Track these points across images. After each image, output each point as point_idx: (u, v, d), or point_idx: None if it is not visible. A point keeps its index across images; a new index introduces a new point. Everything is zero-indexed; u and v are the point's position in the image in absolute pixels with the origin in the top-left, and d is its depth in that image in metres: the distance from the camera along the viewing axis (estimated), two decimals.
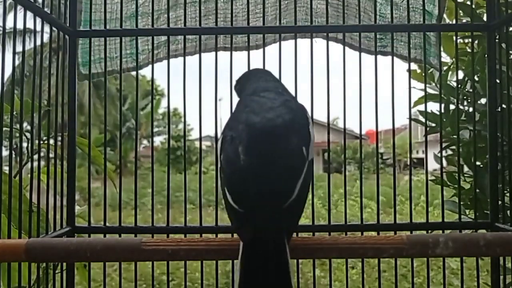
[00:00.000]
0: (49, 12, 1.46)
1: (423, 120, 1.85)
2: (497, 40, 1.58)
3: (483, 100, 1.82)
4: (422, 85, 1.76)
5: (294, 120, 1.03)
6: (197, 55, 1.63)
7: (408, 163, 1.70)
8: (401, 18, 1.76)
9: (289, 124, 1.02)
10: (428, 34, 1.72)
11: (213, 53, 1.61)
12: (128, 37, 1.69)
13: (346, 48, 1.63)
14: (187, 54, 1.62)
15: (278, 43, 1.62)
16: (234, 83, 1.30)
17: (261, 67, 1.57)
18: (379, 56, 1.63)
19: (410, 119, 1.72)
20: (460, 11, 1.81)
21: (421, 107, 1.83)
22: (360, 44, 1.63)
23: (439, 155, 1.70)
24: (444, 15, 1.96)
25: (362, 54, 1.62)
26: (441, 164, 1.67)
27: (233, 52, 1.60)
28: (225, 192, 0.95)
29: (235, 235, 1.06)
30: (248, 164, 0.94)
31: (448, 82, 1.94)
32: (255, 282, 0.87)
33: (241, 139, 0.97)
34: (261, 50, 1.63)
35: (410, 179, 1.62)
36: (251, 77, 1.23)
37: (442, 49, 1.81)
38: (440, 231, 1.57)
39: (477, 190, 1.62)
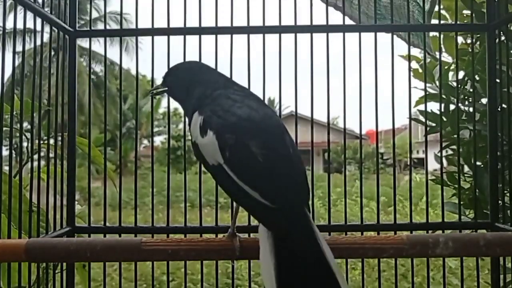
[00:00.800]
0: (49, 12, 1.46)
1: (423, 120, 1.85)
2: (497, 40, 1.57)
3: (483, 100, 1.82)
4: (423, 84, 1.76)
5: (279, 118, 1.09)
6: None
7: (408, 163, 1.70)
8: (396, 7, 1.73)
9: (281, 121, 1.07)
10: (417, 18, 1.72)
11: (214, 52, 1.61)
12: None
13: (346, 45, 1.62)
14: None
15: (278, 43, 1.62)
16: (165, 77, 1.24)
17: (262, 65, 1.57)
18: (379, 54, 1.62)
19: (410, 119, 1.72)
20: (465, 13, 1.81)
21: (421, 107, 1.83)
22: (360, 37, 1.62)
23: (439, 155, 1.70)
24: (446, 14, 1.95)
25: (363, 53, 1.61)
26: (441, 164, 1.67)
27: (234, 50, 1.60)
28: (242, 190, 0.93)
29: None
30: (268, 159, 0.94)
31: (449, 82, 1.93)
32: (298, 275, 0.86)
33: (249, 134, 0.97)
34: (261, 46, 1.62)
35: (410, 179, 1.62)
36: (200, 70, 1.18)
37: (443, 48, 1.80)
38: (440, 231, 1.57)
39: (477, 190, 1.62)
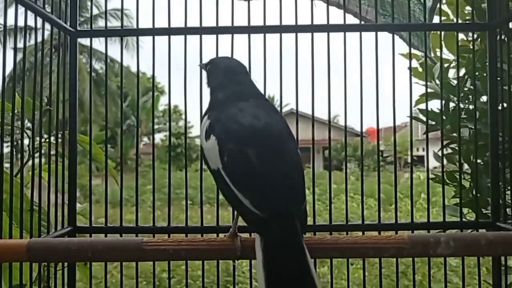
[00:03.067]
0: (50, 11, 1.46)
1: (423, 118, 1.85)
2: (498, 39, 1.57)
3: (482, 98, 1.81)
4: (422, 83, 1.75)
5: (285, 125, 1.08)
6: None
7: (408, 160, 1.70)
8: (399, 4, 1.73)
9: (286, 128, 1.07)
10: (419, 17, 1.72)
11: (214, 50, 1.61)
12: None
13: (347, 42, 1.62)
14: None
15: (279, 41, 1.61)
16: (207, 64, 1.25)
17: (262, 64, 1.56)
18: (380, 52, 1.62)
19: (411, 117, 1.72)
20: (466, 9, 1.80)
21: (421, 105, 1.83)
22: (361, 36, 1.62)
23: (439, 153, 1.69)
24: (448, 10, 1.94)
25: (364, 51, 1.61)
26: (442, 163, 1.67)
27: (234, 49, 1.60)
28: (236, 196, 0.95)
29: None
30: (263, 168, 0.96)
31: (448, 80, 1.93)
32: (283, 282, 0.89)
33: (248, 142, 0.98)
34: (262, 44, 1.62)
35: (411, 178, 1.61)
36: (228, 72, 1.18)
37: (444, 46, 1.80)
38: (441, 231, 1.57)
39: (477, 189, 1.62)
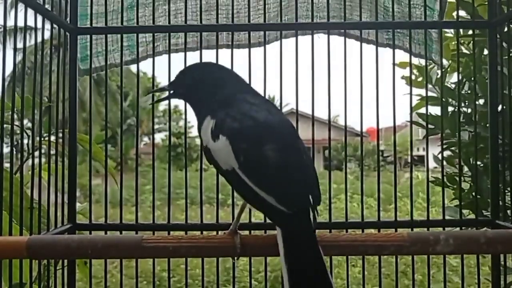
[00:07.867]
0: (49, 9, 1.45)
1: (423, 123, 1.84)
2: (498, 38, 1.57)
3: (481, 101, 1.81)
4: (420, 91, 1.75)
5: (291, 123, 1.08)
6: (198, 52, 1.63)
7: (409, 160, 1.70)
8: (403, 13, 1.74)
9: (294, 127, 1.08)
10: (429, 30, 1.71)
11: (214, 50, 1.61)
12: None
13: (348, 44, 1.62)
14: (189, 50, 1.62)
15: (279, 40, 1.61)
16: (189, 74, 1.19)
17: (262, 64, 1.57)
18: (382, 52, 1.62)
19: (411, 120, 1.72)
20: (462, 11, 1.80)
21: (420, 110, 1.83)
22: (361, 34, 1.62)
23: (438, 156, 1.69)
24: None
25: (364, 50, 1.61)
26: (442, 165, 1.67)
27: (235, 50, 1.60)
28: (257, 194, 0.94)
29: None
30: (284, 164, 0.96)
31: (446, 84, 1.93)
32: (302, 276, 0.91)
33: (265, 138, 0.97)
34: (262, 47, 1.62)
35: (411, 177, 1.61)
36: (221, 74, 1.15)
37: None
38: (441, 229, 1.57)
39: (477, 191, 1.62)
